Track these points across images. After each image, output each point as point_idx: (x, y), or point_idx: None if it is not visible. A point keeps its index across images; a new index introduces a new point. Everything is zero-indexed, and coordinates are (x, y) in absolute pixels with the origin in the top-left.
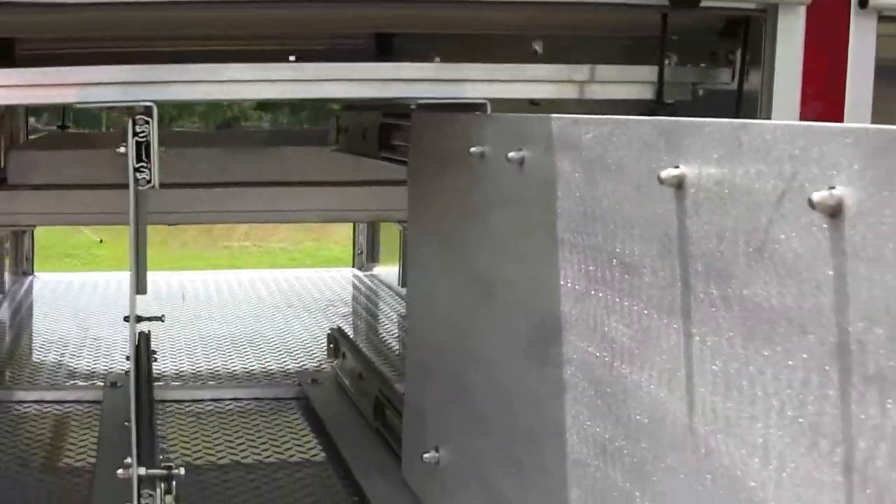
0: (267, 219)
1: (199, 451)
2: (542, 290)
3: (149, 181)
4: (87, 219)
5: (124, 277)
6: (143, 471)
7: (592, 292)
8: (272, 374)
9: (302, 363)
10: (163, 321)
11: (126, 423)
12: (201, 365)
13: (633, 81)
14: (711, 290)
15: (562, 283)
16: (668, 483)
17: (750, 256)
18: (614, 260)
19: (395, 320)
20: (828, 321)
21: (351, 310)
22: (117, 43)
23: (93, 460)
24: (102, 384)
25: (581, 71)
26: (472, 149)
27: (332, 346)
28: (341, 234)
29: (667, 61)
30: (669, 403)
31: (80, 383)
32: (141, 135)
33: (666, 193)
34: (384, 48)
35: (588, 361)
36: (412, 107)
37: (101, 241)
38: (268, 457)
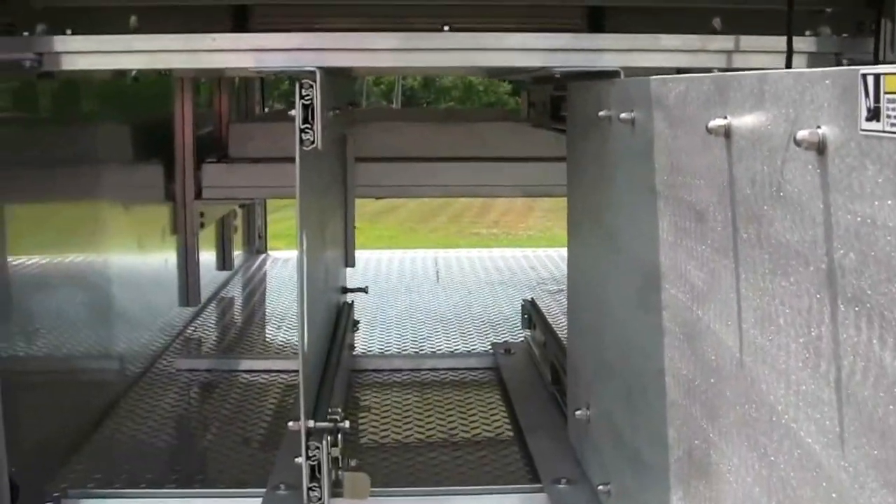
0: (466, 193)
1: (389, 414)
2: (647, 242)
3: (312, 142)
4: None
5: (366, 255)
6: (311, 423)
7: (678, 241)
8: (472, 345)
9: (502, 335)
10: (366, 293)
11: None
12: (407, 336)
13: (769, 51)
14: (750, 231)
15: (660, 234)
16: (728, 415)
17: (772, 197)
18: (691, 209)
19: None
20: (820, 251)
21: (559, 286)
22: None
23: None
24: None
25: (716, 41)
26: (601, 112)
27: (526, 317)
28: None
29: (809, 32)
30: (727, 339)
31: (290, 355)
32: (306, 98)
33: (719, 143)
34: (596, 24)
35: (677, 307)
36: (556, 76)
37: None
38: (451, 417)
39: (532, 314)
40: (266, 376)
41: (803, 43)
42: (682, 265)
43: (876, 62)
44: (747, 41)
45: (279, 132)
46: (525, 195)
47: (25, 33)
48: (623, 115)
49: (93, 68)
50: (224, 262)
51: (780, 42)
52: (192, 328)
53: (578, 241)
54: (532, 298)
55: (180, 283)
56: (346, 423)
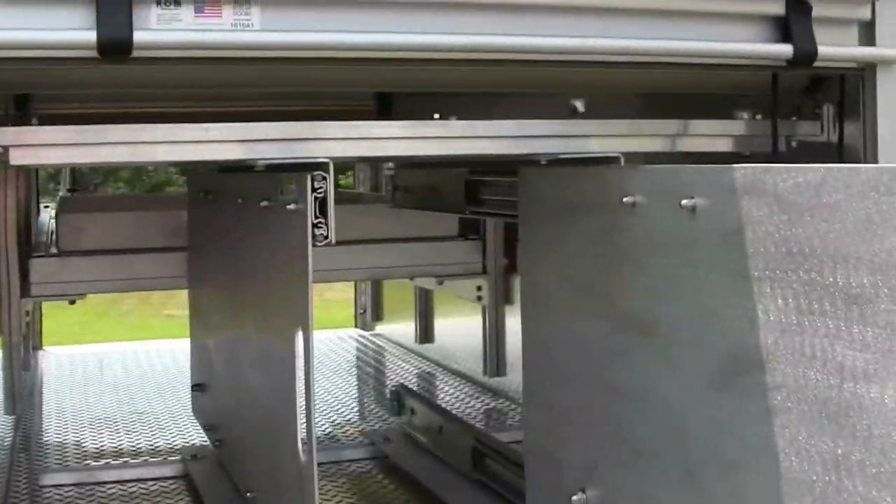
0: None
1: None
2: (731, 324)
3: (326, 237)
4: (143, 284)
5: (143, 347)
6: None
7: (806, 323)
8: (336, 436)
9: (357, 424)
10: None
11: (249, 494)
12: None
13: (737, 135)
14: None
15: (760, 316)
16: None
17: None
18: (835, 291)
19: (418, 375)
20: None
21: (373, 370)
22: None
23: None
24: (181, 458)
25: (682, 125)
26: (625, 199)
27: (395, 403)
28: None
29: (747, 116)
30: None
31: (153, 459)
32: (319, 191)
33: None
34: (385, 107)
35: (806, 385)
36: (543, 163)
37: None
38: None
39: (406, 399)
40: (143, 486)
41: (756, 126)
42: (817, 345)
43: (840, 144)
44: (711, 125)
45: (114, 222)
46: (373, 278)
47: None
48: (685, 202)
49: (66, 162)
50: (25, 361)
51: (729, 126)
52: (21, 437)
53: (549, 327)
54: (402, 384)
55: (6, 389)
56: None
